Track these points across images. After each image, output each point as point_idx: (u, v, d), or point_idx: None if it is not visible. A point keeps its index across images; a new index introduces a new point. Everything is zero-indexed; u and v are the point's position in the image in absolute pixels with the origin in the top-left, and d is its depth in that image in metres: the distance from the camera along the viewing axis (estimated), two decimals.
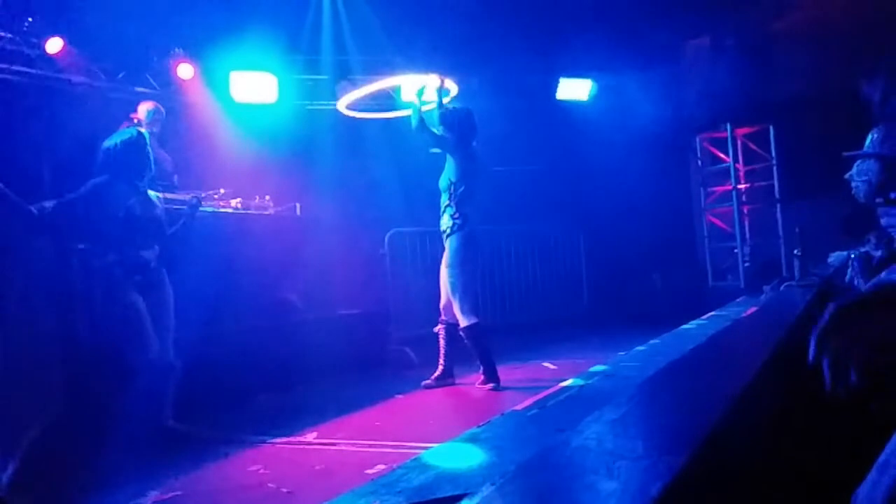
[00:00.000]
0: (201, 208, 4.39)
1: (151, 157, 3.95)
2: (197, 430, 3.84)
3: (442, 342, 4.87)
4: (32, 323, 3.85)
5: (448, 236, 4.75)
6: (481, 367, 4.69)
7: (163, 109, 5.36)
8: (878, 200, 3.77)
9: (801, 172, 7.41)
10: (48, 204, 3.77)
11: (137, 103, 5.52)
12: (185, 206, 4.26)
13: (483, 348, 4.69)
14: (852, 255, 2.84)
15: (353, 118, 6.46)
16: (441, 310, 4.89)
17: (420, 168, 5.22)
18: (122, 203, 3.80)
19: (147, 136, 3.99)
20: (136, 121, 5.23)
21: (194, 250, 4.17)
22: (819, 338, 0.66)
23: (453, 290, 4.70)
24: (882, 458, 0.52)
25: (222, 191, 5.92)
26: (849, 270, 2.90)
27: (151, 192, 4.04)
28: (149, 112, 5.30)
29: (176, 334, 3.93)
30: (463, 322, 4.68)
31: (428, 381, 4.82)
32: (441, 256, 4.87)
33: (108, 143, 3.90)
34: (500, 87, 7.95)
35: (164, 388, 3.79)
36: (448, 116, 4.86)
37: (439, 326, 4.89)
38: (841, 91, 7.46)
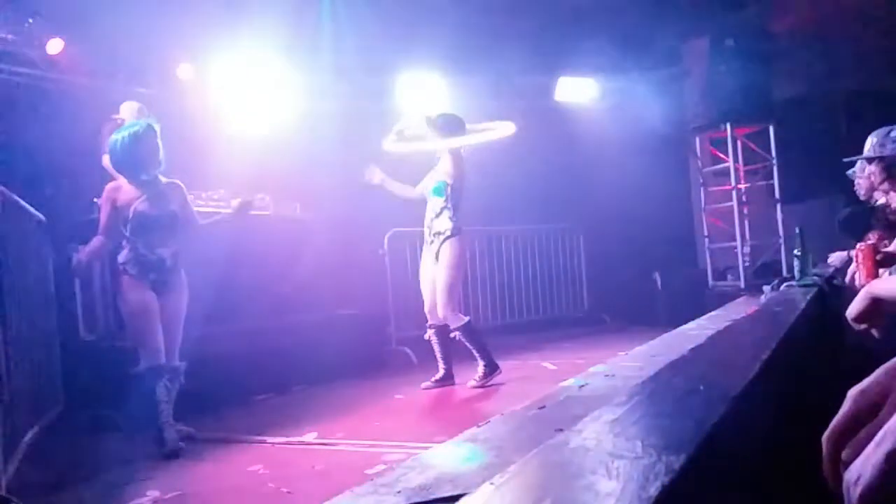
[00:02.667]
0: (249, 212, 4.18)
1: (160, 151, 3.82)
2: (198, 431, 3.83)
3: (437, 347, 4.88)
4: (35, 323, 3.85)
5: (447, 238, 4.76)
6: (481, 363, 4.72)
7: (146, 109, 5.24)
8: (878, 202, 3.76)
9: (801, 172, 7.41)
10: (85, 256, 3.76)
11: (112, 101, 5.45)
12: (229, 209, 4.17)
13: (480, 342, 4.79)
14: (860, 246, 2.84)
15: (326, 115, 6.78)
16: (427, 314, 4.88)
17: (420, 169, 5.22)
18: (135, 202, 3.72)
19: (157, 128, 3.85)
20: (119, 121, 5.18)
21: (194, 250, 4.16)
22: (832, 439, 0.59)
23: (448, 292, 4.73)
24: (879, 435, 0.52)
25: (222, 191, 5.93)
26: (854, 265, 2.89)
27: (163, 179, 3.87)
28: (132, 112, 5.22)
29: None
30: (456, 322, 4.72)
31: (427, 384, 4.82)
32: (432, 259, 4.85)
33: (114, 136, 3.81)
34: (501, 88, 7.96)
35: (168, 391, 3.72)
36: (450, 117, 4.94)
37: (429, 333, 4.89)
38: (841, 91, 7.50)
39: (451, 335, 4.76)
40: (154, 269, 3.72)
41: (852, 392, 0.59)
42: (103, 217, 3.75)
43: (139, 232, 3.72)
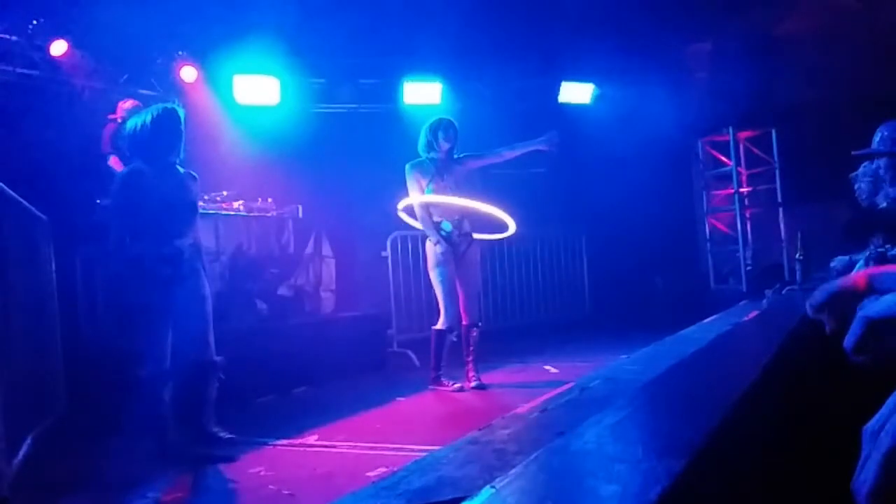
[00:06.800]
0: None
1: (183, 137, 3.51)
2: (239, 436, 3.62)
3: (445, 348, 4.86)
4: (37, 324, 3.85)
5: (474, 239, 4.86)
6: (475, 367, 4.80)
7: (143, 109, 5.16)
8: (882, 206, 3.74)
9: (803, 176, 7.41)
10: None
11: (116, 103, 5.47)
12: None
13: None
14: (868, 253, 2.81)
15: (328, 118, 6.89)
16: (465, 313, 4.82)
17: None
18: (154, 190, 3.38)
19: (182, 113, 3.52)
20: (118, 121, 5.19)
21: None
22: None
23: (479, 290, 4.90)
24: (880, 438, 0.53)
25: (225, 193, 5.94)
26: (858, 269, 2.87)
27: (180, 170, 3.56)
28: (128, 111, 5.23)
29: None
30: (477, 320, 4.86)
31: (443, 385, 4.80)
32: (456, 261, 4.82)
33: (134, 119, 3.54)
34: (503, 91, 7.96)
35: (203, 390, 3.43)
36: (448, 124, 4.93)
37: (475, 331, 4.84)
38: (843, 95, 7.48)
39: (475, 332, 4.81)
40: (170, 262, 3.38)
41: (866, 430, 0.59)
42: (119, 210, 3.44)
43: (160, 221, 3.39)
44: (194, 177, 3.64)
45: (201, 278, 3.53)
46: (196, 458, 3.32)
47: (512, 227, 5.06)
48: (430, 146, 4.76)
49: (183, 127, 3.51)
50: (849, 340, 0.78)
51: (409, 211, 4.97)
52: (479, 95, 7.88)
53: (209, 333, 3.48)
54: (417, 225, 4.97)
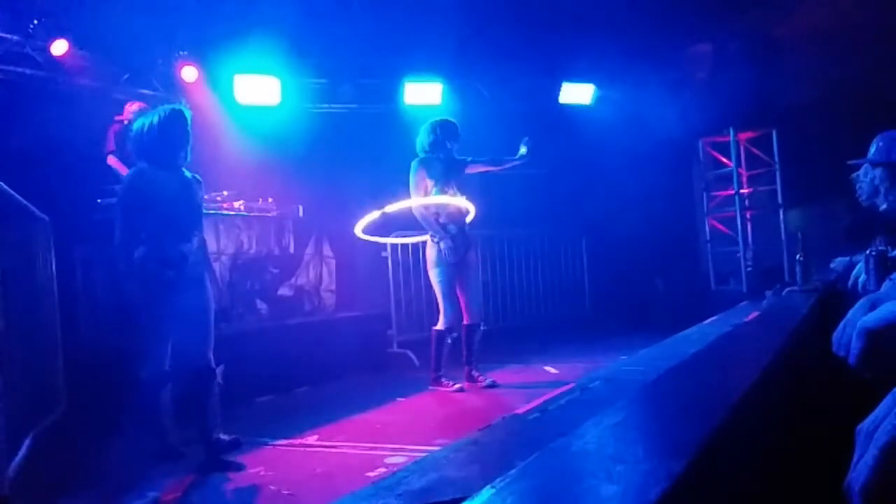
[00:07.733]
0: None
1: (190, 138, 3.46)
2: (242, 438, 3.62)
3: (446, 349, 4.87)
4: (37, 324, 3.85)
5: (472, 242, 4.90)
6: (475, 365, 4.82)
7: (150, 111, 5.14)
8: (882, 207, 3.74)
9: (804, 177, 7.41)
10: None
11: (117, 102, 5.47)
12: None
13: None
14: (869, 251, 2.80)
15: (329, 118, 6.98)
16: (469, 313, 4.84)
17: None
18: (160, 192, 3.34)
19: (189, 114, 3.47)
20: (125, 122, 5.20)
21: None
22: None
23: (480, 290, 4.95)
24: (876, 434, 0.54)
25: (225, 193, 5.94)
26: (858, 270, 2.87)
27: (186, 173, 3.52)
28: (135, 114, 5.22)
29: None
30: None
31: (446, 387, 4.80)
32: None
33: (141, 121, 3.48)
34: (503, 91, 7.96)
35: (204, 398, 3.40)
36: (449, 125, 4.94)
37: (454, 335, 4.88)
38: (845, 96, 7.48)
39: (479, 332, 4.86)
40: (174, 265, 3.31)
41: (860, 430, 0.59)
42: (124, 210, 3.36)
43: (165, 224, 3.33)
44: (199, 181, 3.61)
45: (205, 287, 3.49)
46: (205, 465, 3.33)
47: (472, 213, 4.96)
48: (438, 145, 4.75)
49: (190, 128, 3.47)
50: (853, 355, 0.78)
51: (370, 230, 5.04)
52: (479, 96, 7.88)
53: (209, 344, 3.44)
54: (380, 239, 5.25)
